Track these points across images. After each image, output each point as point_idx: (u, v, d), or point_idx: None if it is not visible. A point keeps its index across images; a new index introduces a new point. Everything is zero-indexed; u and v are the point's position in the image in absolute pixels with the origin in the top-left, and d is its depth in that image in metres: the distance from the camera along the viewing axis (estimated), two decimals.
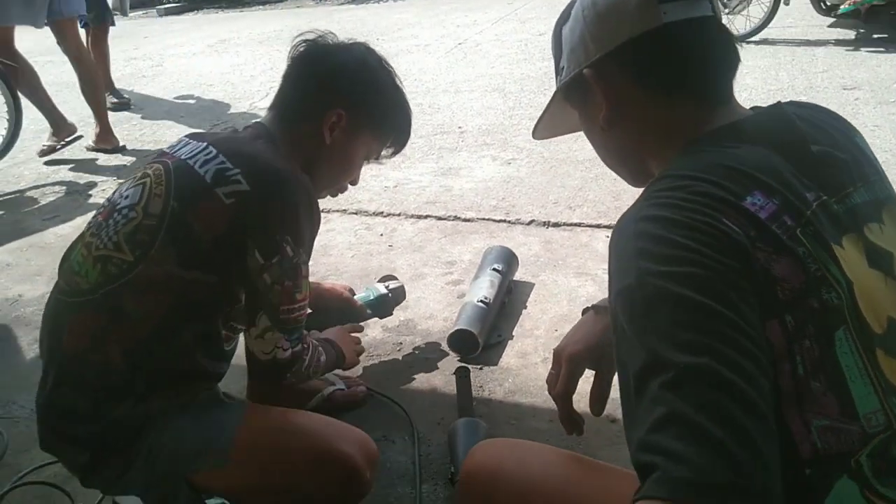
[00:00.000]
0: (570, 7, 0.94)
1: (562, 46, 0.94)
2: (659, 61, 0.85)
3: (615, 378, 0.75)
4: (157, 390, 1.21)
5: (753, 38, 5.11)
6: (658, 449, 0.60)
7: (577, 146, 3.45)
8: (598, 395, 1.17)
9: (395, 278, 2.14)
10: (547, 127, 1.11)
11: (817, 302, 0.69)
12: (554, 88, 1.01)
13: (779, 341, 0.67)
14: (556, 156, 3.43)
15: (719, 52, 0.86)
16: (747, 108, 0.89)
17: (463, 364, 1.93)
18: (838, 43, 5.04)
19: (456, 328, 1.97)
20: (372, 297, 2.02)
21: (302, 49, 1.42)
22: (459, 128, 3.99)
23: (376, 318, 2.09)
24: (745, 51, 4.82)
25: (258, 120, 1.45)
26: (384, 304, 2.05)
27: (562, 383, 1.15)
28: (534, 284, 2.33)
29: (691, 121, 0.84)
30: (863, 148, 0.87)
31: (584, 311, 1.21)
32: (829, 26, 5.48)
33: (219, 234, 1.20)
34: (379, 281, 2.12)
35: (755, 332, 0.65)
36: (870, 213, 0.78)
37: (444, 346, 2.01)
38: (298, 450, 1.22)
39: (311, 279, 1.39)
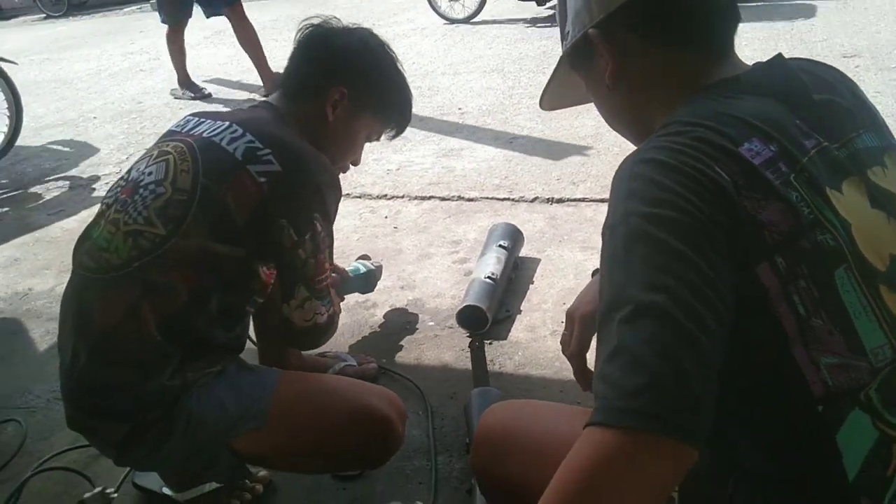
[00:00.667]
0: None
1: (566, 12, 0.95)
2: (662, 16, 0.86)
3: None
4: (191, 360, 1.24)
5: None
6: (606, 378, 0.65)
7: (578, 123, 3.45)
8: None
9: (368, 258, 2.19)
10: (553, 97, 1.11)
11: (809, 243, 0.70)
12: (556, 62, 1.03)
13: (772, 284, 0.69)
14: (557, 133, 3.43)
15: (720, 7, 0.87)
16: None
17: (478, 335, 1.95)
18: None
19: (464, 304, 1.98)
20: (362, 271, 2.06)
21: (307, 31, 1.46)
22: (459, 109, 3.99)
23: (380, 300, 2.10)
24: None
25: (266, 99, 1.50)
26: (371, 280, 2.10)
27: (575, 342, 1.17)
28: (540, 260, 2.34)
29: (695, 73, 0.85)
30: (863, 99, 0.88)
31: (594, 273, 1.23)
32: None
33: (252, 210, 1.24)
34: (357, 260, 2.15)
35: (722, 286, 0.67)
36: (873, 158, 0.80)
37: (454, 323, 2.02)
38: (333, 408, 1.29)
39: None
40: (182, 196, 1.23)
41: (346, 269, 2.04)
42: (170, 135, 1.37)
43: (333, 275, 1.92)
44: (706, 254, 0.68)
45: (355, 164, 1.59)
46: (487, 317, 1.96)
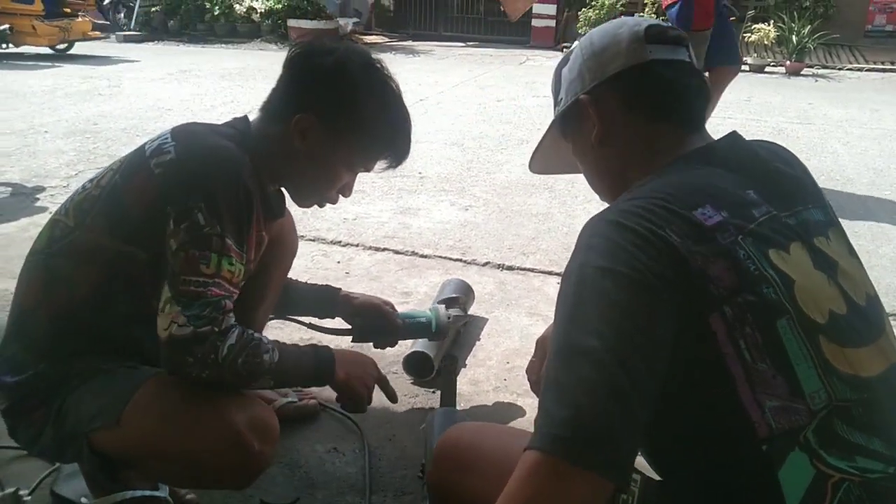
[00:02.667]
0: (569, 52, 1.08)
1: (561, 83, 1.08)
2: (644, 90, 0.99)
3: None
4: (81, 355, 1.25)
5: None
6: (541, 406, 0.75)
7: (532, 200, 3.60)
8: None
9: (461, 307, 2.04)
10: (541, 160, 1.22)
11: (754, 296, 0.79)
12: (546, 127, 1.15)
13: (721, 331, 0.78)
14: (511, 207, 3.56)
15: (695, 87, 1.01)
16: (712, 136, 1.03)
17: (452, 354, 1.98)
18: None
19: (411, 351, 2.00)
20: (420, 319, 1.88)
21: (292, 50, 1.39)
22: (419, 173, 4.10)
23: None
24: None
25: (245, 115, 1.42)
26: (436, 330, 1.90)
27: (537, 366, 1.29)
28: (487, 319, 2.39)
29: (670, 143, 0.97)
30: (813, 181, 1.01)
31: None
32: None
33: (147, 205, 1.21)
34: (440, 302, 2.03)
35: (659, 338, 0.77)
36: (818, 229, 0.91)
37: (398, 369, 2.03)
38: (184, 415, 1.19)
39: None
40: (96, 192, 1.28)
41: (404, 311, 1.91)
42: None
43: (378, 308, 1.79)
44: (647, 307, 0.76)
45: (345, 195, 1.49)
46: (433, 365, 1.97)
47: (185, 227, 1.16)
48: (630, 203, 0.86)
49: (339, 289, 1.86)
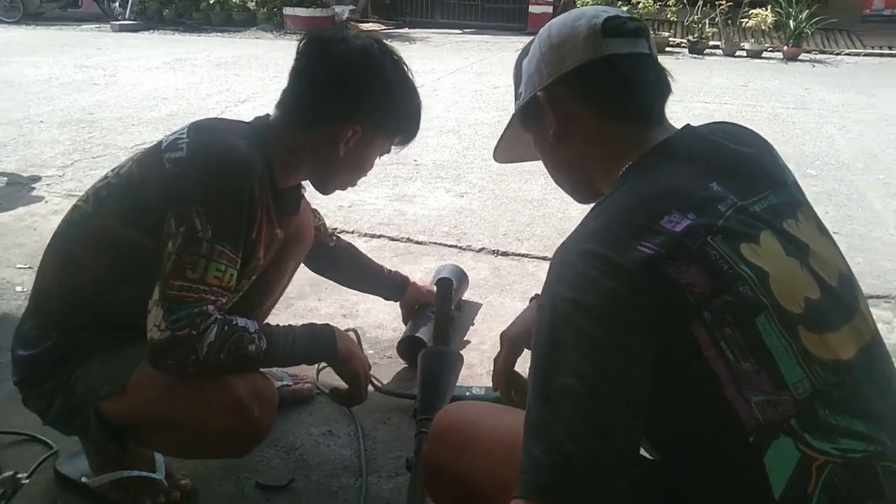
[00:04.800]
0: (529, 44, 1.07)
1: (521, 76, 1.08)
2: (601, 86, 0.98)
3: None
4: (88, 331, 1.32)
5: None
6: (526, 452, 0.75)
7: (528, 186, 3.61)
8: None
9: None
10: (505, 150, 1.22)
11: (730, 296, 0.79)
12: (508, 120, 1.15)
13: (703, 335, 0.78)
14: (506, 193, 3.57)
15: (653, 80, 0.99)
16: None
17: (445, 277, 2.04)
18: None
19: (406, 335, 2.02)
20: (476, 392, 1.82)
21: (309, 50, 1.35)
22: (415, 160, 4.10)
23: None
24: None
25: (269, 113, 1.40)
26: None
27: (501, 360, 1.30)
28: (481, 304, 2.40)
29: (628, 139, 0.97)
30: (776, 157, 1.00)
31: (531, 299, 1.31)
32: None
33: (156, 197, 1.24)
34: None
35: (638, 368, 0.78)
36: (787, 212, 0.91)
37: (393, 353, 2.05)
38: (186, 382, 1.23)
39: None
40: (115, 180, 1.33)
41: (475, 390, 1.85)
42: None
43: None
44: (622, 337, 0.77)
45: (364, 175, 1.52)
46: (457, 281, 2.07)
47: (182, 231, 1.19)
48: (596, 224, 0.86)
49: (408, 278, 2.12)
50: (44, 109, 5.19)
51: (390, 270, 2.08)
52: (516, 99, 1.10)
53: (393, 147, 1.48)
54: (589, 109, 0.99)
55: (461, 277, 2.35)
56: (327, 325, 1.43)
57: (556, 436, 0.73)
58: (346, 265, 1.98)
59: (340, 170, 1.43)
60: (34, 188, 3.46)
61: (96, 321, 1.32)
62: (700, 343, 0.78)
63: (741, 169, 0.92)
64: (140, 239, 1.26)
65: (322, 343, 1.39)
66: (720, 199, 0.86)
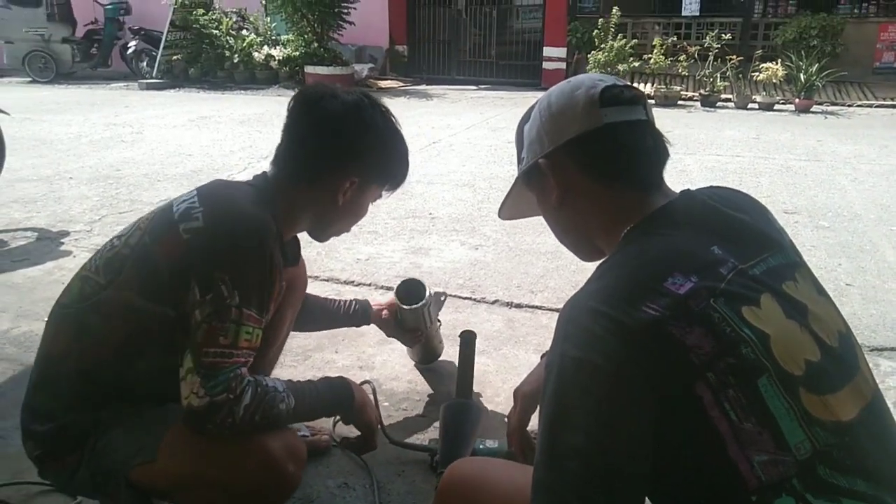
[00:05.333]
0: (530, 109, 1.12)
1: (523, 141, 1.13)
2: (600, 155, 1.02)
3: None
4: (110, 404, 1.31)
5: None
6: None
7: (541, 240, 3.66)
8: None
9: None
10: (510, 208, 1.27)
11: (733, 358, 0.82)
12: (512, 181, 1.20)
13: (707, 396, 0.81)
14: (520, 245, 3.63)
15: (651, 147, 1.02)
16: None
17: (468, 331, 2.03)
18: None
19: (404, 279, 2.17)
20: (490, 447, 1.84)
21: (301, 109, 1.42)
22: (430, 214, 4.19)
23: None
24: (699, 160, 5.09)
25: (265, 171, 1.46)
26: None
27: (516, 417, 1.33)
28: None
29: (628, 205, 1.01)
30: (771, 221, 1.04)
31: (543, 356, 1.35)
32: None
33: (175, 268, 1.26)
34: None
35: (643, 425, 0.80)
36: (785, 273, 0.94)
37: (408, 405, 2.08)
38: (219, 446, 1.26)
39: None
40: (126, 251, 1.33)
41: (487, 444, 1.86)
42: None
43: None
44: (627, 396, 0.80)
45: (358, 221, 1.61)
46: (424, 291, 2.10)
47: (209, 299, 1.22)
48: (600, 284, 0.89)
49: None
50: (73, 166, 5.38)
51: (347, 301, 2.11)
52: (519, 163, 1.14)
53: (384, 192, 1.56)
54: (588, 177, 1.02)
55: (425, 294, 2.19)
56: (341, 377, 1.50)
57: (563, 494, 0.76)
58: (312, 310, 2.00)
59: (338, 219, 1.51)
60: (63, 243, 3.58)
61: (116, 393, 1.32)
62: (704, 403, 0.80)
63: (739, 233, 0.95)
64: (160, 310, 1.27)
65: (341, 395, 1.46)
66: (721, 262, 0.89)
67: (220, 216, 1.29)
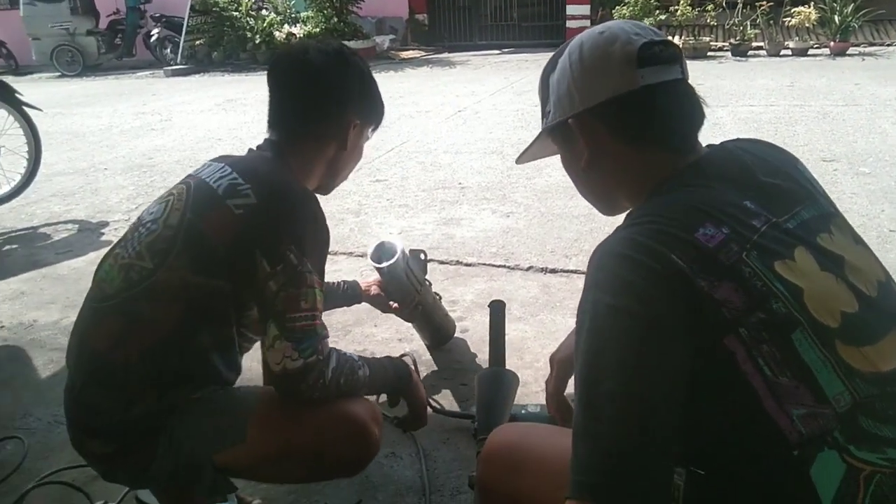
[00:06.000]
0: (556, 56, 1.05)
1: (549, 93, 1.07)
2: (636, 120, 0.97)
3: None
4: (174, 388, 1.32)
5: None
6: (574, 454, 0.79)
7: (573, 203, 3.63)
8: None
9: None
10: (529, 155, 1.23)
11: (764, 313, 0.81)
12: (536, 134, 1.16)
13: (739, 351, 0.80)
14: (552, 210, 3.61)
15: (688, 111, 0.98)
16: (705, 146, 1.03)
17: (497, 300, 2.04)
18: None
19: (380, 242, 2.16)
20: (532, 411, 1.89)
21: (294, 64, 1.45)
22: (460, 184, 4.18)
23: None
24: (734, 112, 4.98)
25: (268, 138, 1.49)
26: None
27: (553, 383, 1.34)
28: (531, 322, 2.44)
29: (661, 166, 0.97)
30: (804, 172, 1.01)
31: None
32: None
33: (229, 243, 1.28)
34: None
35: (677, 370, 0.80)
36: (820, 226, 0.92)
37: (448, 374, 2.10)
38: (310, 417, 1.30)
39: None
40: (169, 232, 1.32)
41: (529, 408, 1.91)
42: (186, 177, 1.46)
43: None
44: (661, 343, 0.79)
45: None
46: (396, 251, 2.07)
47: (280, 269, 1.26)
48: (633, 231, 0.87)
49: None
50: (107, 157, 5.48)
51: (337, 282, 2.13)
52: (544, 115, 1.08)
53: (371, 133, 1.60)
54: (621, 140, 0.98)
55: (405, 254, 2.18)
56: (398, 358, 1.57)
57: (599, 438, 0.76)
58: None
59: (344, 166, 1.54)
60: (103, 233, 3.67)
61: (176, 377, 1.32)
62: (737, 358, 0.79)
63: (772, 186, 0.93)
64: (215, 284, 1.29)
65: (401, 371, 1.53)
66: (755, 215, 0.87)
67: (271, 191, 1.32)
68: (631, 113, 0.97)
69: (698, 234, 0.83)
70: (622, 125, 0.98)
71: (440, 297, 2.30)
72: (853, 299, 0.86)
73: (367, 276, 2.90)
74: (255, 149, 1.50)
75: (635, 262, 0.82)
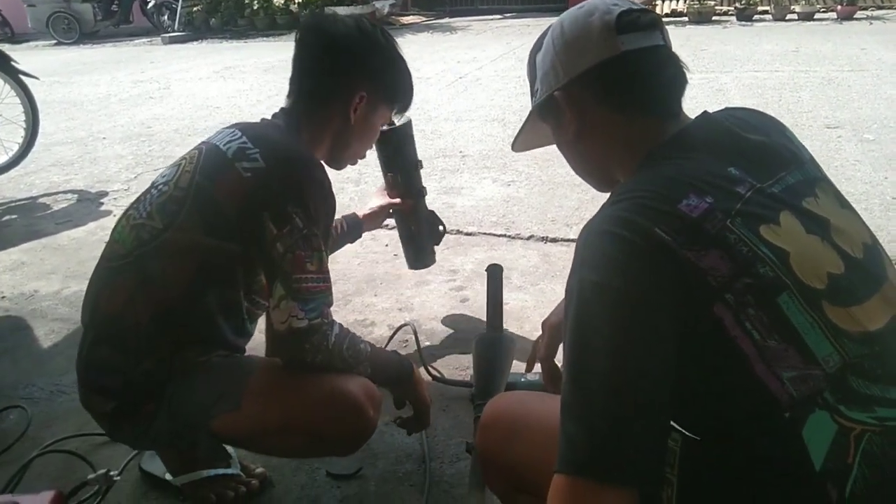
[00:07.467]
0: (542, 37, 1.07)
1: (536, 71, 1.09)
2: (618, 85, 0.98)
3: None
4: (180, 350, 1.34)
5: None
6: (562, 430, 0.79)
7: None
8: None
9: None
10: (524, 141, 1.25)
11: (751, 278, 0.81)
12: (527, 113, 1.17)
13: (727, 317, 0.80)
14: (553, 179, 3.59)
15: (670, 76, 0.99)
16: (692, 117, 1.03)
17: (496, 263, 2.05)
18: None
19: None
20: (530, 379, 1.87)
21: (306, 35, 1.48)
22: (461, 152, 4.15)
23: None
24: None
25: (283, 107, 1.50)
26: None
27: (544, 348, 1.36)
28: (531, 293, 2.44)
29: (648, 134, 0.98)
30: (790, 138, 1.01)
31: None
32: None
33: (237, 205, 1.30)
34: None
35: (665, 345, 0.80)
36: (805, 190, 0.92)
37: (448, 343, 2.11)
38: (305, 391, 1.32)
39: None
40: (179, 193, 1.35)
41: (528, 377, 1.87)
42: (200, 143, 1.48)
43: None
44: (648, 318, 0.79)
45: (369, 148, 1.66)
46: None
47: (287, 231, 1.28)
48: (617, 208, 0.87)
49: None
50: (105, 126, 5.45)
51: (337, 221, 2.07)
52: (532, 95, 1.11)
53: (393, 115, 1.58)
54: (607, 108, 1.00)
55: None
56: (396, 352, 1.57)
57: (587, 414, 0.77)
58: None
59: (352, 140, 1.52)
60: (102, 203, 3.66)
61: (187, 336, 1.34)
62: (725, 324, 0.80)
63: (757, 152, 0.93)
64: (226, 245, 1.32)
65: (404, 364, 1.53)
66: (739, 181, 0.87)
67: (278, 156, 1.34)
68: (614, 79, 0.98)
69: (681, 206, 0.83)
70: (606, 92, 0.99)
71: (425, 190, 2.29)
72: (839, 261, 0.86)
73: (367, 245, 2.91)
74: (269, 118, 1.51)
75: (619, 238, 0.82)
